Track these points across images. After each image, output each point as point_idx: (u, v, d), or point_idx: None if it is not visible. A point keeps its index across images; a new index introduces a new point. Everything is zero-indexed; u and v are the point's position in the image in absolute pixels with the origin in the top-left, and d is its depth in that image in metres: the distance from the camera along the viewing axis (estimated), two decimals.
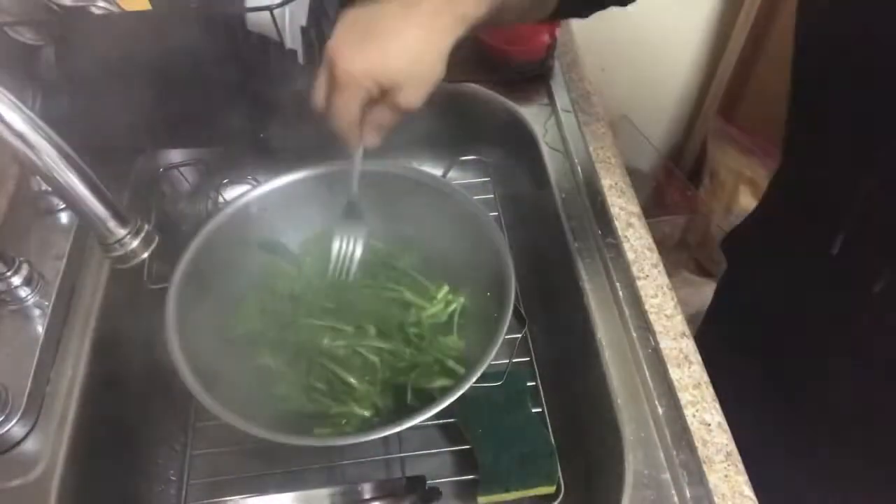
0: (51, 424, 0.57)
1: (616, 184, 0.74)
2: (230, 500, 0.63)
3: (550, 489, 0.61)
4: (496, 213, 0.82)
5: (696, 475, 0.54)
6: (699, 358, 0.61)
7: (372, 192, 0.73)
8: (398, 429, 0.54)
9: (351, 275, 0.68)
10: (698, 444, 0.55)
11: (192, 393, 0.55)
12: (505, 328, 0.59)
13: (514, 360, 0.65)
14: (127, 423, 0.65)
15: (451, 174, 0.78)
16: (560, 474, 0.62)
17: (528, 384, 0.69)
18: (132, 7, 0.65)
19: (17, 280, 0.61)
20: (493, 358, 0.57)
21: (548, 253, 0.75)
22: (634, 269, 0.67)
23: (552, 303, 0.75)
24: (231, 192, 0.80)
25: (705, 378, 0.59)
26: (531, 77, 0.84)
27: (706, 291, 0.71)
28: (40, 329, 0.60)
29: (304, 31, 0.73)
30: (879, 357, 0.56)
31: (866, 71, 0.47)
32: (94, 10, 0.64)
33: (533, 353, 0.73)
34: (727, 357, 0.64)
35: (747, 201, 1.45)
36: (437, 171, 0.75)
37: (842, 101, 0.52)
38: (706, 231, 1.54)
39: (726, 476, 0.54)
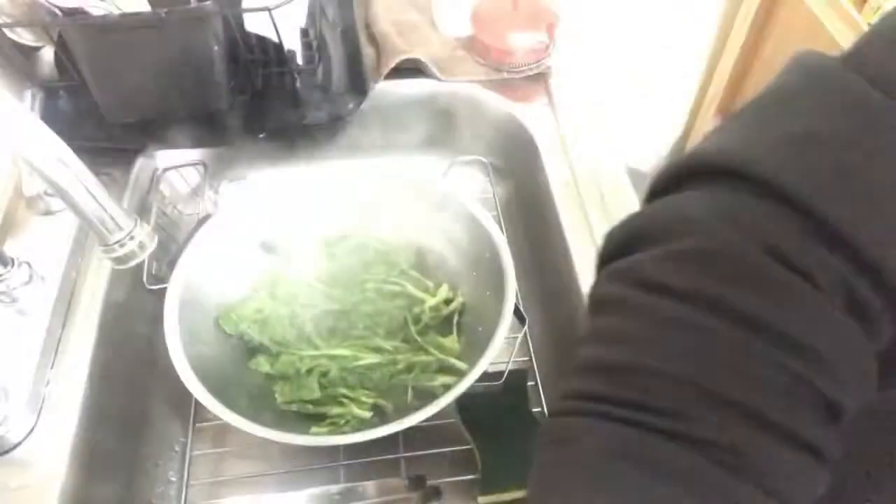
0: (51, 425, 0.57)
1: (615, 183, 0.74)
2: (230, 500, 0.63)
3: None
4: (496, 213, 0.82)
5: None
6: None
7: (372, 192, 0.73)
8: (398, 428, 0.54)
9: None
10: None
11: (192, 393, 0.55)
12: (505, 328, 0.59)
13: (514, 360, 0.65)
14: (127, 423, 0.65)
15: (451, 174, 0.78)
16: None
17: (528, 384, 0.69)
18: (130, 8, 0.65)
19: (16, 281, 0.61)
20: (493, 358, 0.57)
21: (547, 252, 0.75)
22: None
23: (552, 303, 0.75)
24: (230, 193, 0.80)
25: None
26: (530, 77, 0.84)
27: None
28: (40, 330, 0.60)
29: (302, 31, 0.73)
30: None
31: None
32: (92, 10, 0.64)
33: (533, 353, 0.73)
34: None
35: None
36: (437, 171, 0.75)
37: None
38: None
39: None
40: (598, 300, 0.30)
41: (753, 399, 0.24)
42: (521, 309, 0.65)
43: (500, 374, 0.65)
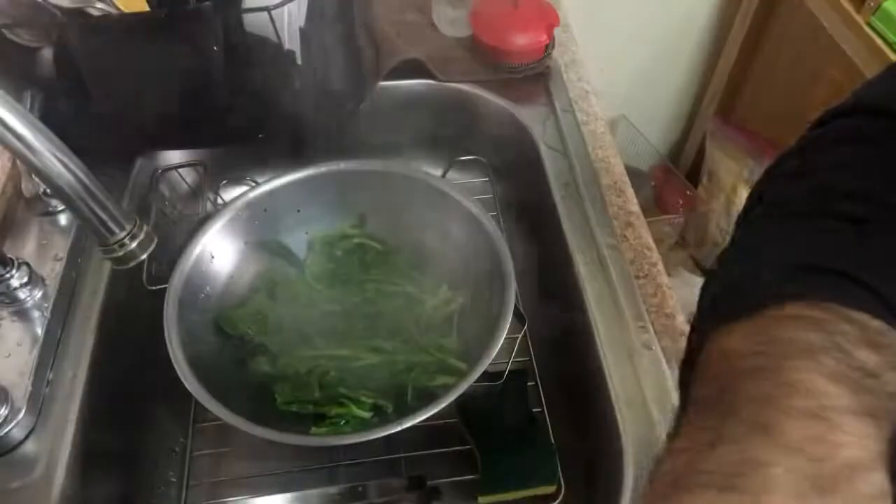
0: (51, 426, 0.57)
1: (615, 183, 0.74)
2: (230, 500, 0.63)
3: (550, 489, 0.61)
4: (496, 213, 0.82)
5: None
6: None
7: (372, 192, 0.73)
8: (398, 428, 0.54)
9: None
10: None
11: (192, 393, 0.55)
12: (505, 328, 0.59)
13: (514, 360, 0.65)
14: (127, 424, 0.65)
15: (451, 174, 0.78)
16: (560, 474, 0.62)
17: (528, 384, 0.69)
18: (130, 8, 0.65)
19: (16, 281, 0.61)
20: (493, 358, 0.57)
21: (547, 253, 0.75)
22: (634, 269, 0.67)
23: (552, 303, 0.75)
24: (230, 193, 0.80)
25: None
26: (530, 77, 0.84)
27: None
28: (40, 330, 0.60)
29: (302, 31, 0.73)
30: None
31: None
32: (92, 11, 0.64)
33: (533, 353, 0.73)
34: None
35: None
36: (437, 171, 0.75)
37: None
38: (705, 231, 1.54)
39: None
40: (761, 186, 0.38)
41: None
42: (521, 309, 0.65)
43: (500, 374, 0.65)
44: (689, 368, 0.32)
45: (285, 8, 0.66)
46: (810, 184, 0.34)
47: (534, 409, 0.67)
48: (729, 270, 0.35)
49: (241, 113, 0.72)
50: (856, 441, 0.24)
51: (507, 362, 0.64)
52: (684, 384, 0.32)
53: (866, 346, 0.26)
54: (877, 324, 0.27)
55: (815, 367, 0.26)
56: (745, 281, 0.32)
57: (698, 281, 1.52)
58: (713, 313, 0.32)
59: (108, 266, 0.67)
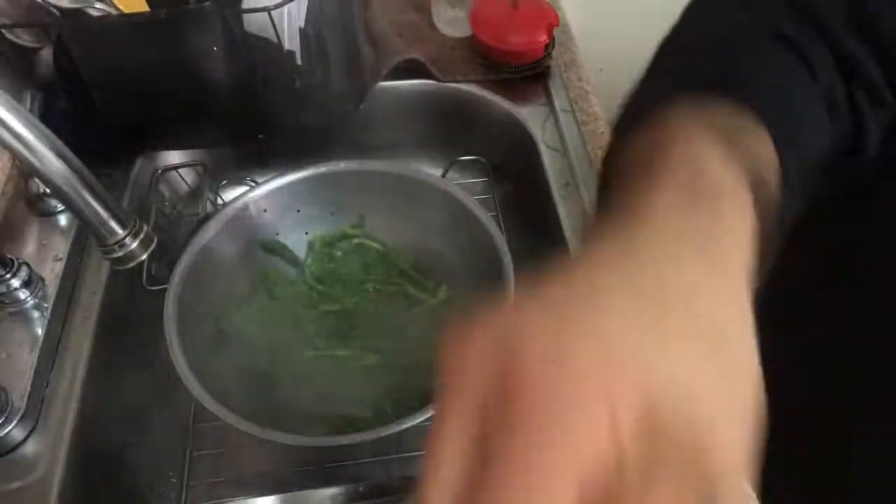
0: (50, 426, 0.57)
1: None
2: (230, 500, 0.63)
3: None
4: (495, 213, 0.82)
5: None
6: None
7: (372, 192, 0.73)
8: (398, 428, 0.54)
9: None
10: None
11: (192, 393, 0.55)
12: None
13: None
14: (127, 424, 0.65)
15: (451, 174, 0.78)
16: None
17: None
18: (130, 8, 0.65)
19: (16, 282, 0.61)
20: None
21: (547, 253, 0.75)
22: None
23: None
24: (229, 194, 0.80)
25: None
26: (530, 77, 0.84)
27: None
28: (39, 331, 0.60)
29: (302, 31, 0.73)
30: None
31: None
32: (91, 11, 0.63)
33: None
34: None
35: None
36: (437, 171, 0.75)
37: None
38: None
39: None
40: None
41: None
42: None
43: None
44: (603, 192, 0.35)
45: (285, 8, 0.66)
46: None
47: None
48: (633, 91, 0.38)
49: (241, 113, 0.72)
50: (720, 168, 0.27)
51: None
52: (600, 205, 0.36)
53: (730, 119, 0.30)
54: (742, 111, 0.31)
55: (689, 137, 0.29)
56: (640, 95, 0.36)
57: None
58: (614, 135, 0.36)
59: (108, 266, 0.67)
